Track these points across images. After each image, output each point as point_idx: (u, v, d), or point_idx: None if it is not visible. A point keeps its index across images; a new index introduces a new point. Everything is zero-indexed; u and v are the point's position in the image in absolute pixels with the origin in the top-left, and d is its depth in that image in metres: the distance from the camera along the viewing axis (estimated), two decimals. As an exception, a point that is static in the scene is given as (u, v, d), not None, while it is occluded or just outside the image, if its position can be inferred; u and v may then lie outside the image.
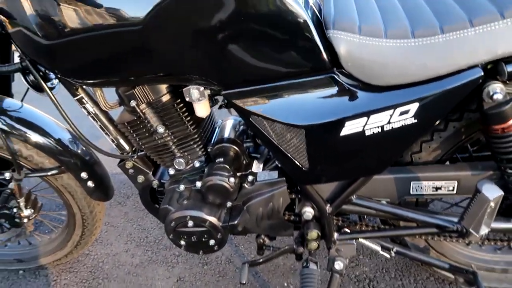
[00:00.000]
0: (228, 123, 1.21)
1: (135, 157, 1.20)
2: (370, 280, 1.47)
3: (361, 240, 1.19)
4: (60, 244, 1.58)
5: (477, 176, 1.02)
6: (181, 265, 1.63)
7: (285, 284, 1.49)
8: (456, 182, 1.03)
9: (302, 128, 0.90)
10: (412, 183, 1.06)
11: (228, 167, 1.07)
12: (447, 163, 1.11)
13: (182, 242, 1.16)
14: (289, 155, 0.96)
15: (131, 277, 1.60)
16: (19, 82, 1.31)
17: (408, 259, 1.39)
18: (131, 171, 1.24)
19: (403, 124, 0.86)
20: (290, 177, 1.12)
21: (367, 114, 0.86)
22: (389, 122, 0.86)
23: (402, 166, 1.08)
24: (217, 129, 1.23)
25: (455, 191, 1.05)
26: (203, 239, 1.13)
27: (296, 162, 0.97)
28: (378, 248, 1.21)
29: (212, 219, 1.10)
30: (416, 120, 0.85)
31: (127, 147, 1.21)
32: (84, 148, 1.36)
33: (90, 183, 1.35)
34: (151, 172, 1.24)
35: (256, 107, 0.91)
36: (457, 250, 1.33)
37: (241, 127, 1.20)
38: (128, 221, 1.91)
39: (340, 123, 0.87)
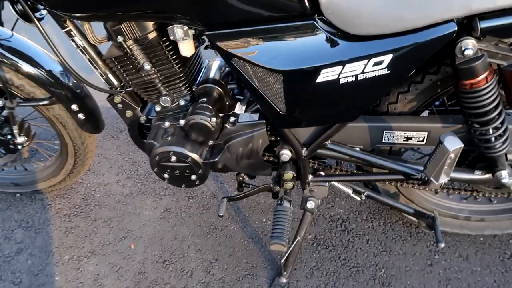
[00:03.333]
0: (214, 64, 1.23)
1: (123, 92, 1.24)
2: (343, 221, 1.57)
3: (334, 183, 1.27)
4: (54, 172, 1.67)
5: (446, 129, 1.07)
6: (168, 198, 1.73)
7: (264, 220, 1.60)
8: (426, 134, 1.09)
9: (280, 73, 0.93)
10: (384, 132, 1.11)
11: (210, 107, 1.12)
12: (424, 114, 1.16)
13: (166, 176, 1.23)
14: (268, 99, 1.00)
15: (120, 206, 1.71)
16: (8, 10, 1.31)
17: (379, 203, 1.48)
18: (119, 105, 1.29)
19: (377, 75, 0.89)
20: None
21: (343, 63, 0.89)
22: (363, 72, 0.89)
23: (376, 116, 1.13)
24: (203, 69, 1.25)
25: (424, 142, 1.10)
26: (185, 174, 1.21)
27: (275, 106, 1.01)
28: (350, 191, 1.29)
29: (194, 156, 1.16)
30: (389, 71, 0.88)
31: (115, 82, 1.24)
32: (75, 81, 1.39)
33: (80, 115, 1.40)
34: (139, 108, 1.28)
35: (238, 50, 0.94)
36: (425, 197, 1.42)
37: (227, 68, 1.23)
38: (120, 154, 1.98)
39: (316, 70, 0.91)
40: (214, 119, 1.12)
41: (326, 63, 0.89)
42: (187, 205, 1.68)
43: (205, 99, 1.13)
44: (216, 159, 1.17)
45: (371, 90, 0.93)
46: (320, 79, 0.92)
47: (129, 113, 1.29)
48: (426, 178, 1.03)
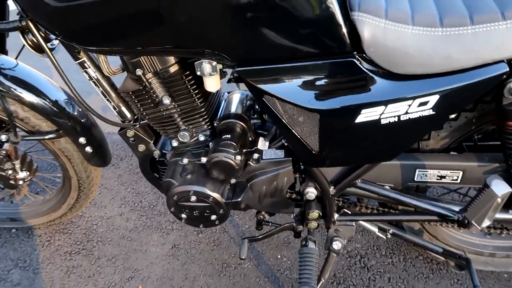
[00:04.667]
0: (235, 97, 1.18)
1: (137, 126, 1.17)
2: (361, 257, 1.51)
3: (360, 222, 1.21)
4: (54, 206, 1.57)
5: (482, 168, 1.03)
6: (175, 232, 1.64)
7: (279, 257, 1.52)
8: (461, 172, 1.04)
9: (316, 112, 0.88)
10: (417, 170, 1.06)
11: (234, 144, 1.05)
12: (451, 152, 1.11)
13: (183, 216, 1.16)
14: (299, 137, 0.94)
15: (125, 241, 1.61)
16: (12, 38, 1.24)
17: (404, 241, 1.43)
18: (131, 139, 1.21)
19: (420, 115, 0.84)
20: (296, 157, 1.12)
21: (385, 103, 0.84)
22: (406, 113, 0.84)
23: (408, 153, 1.08)
24: (223, 102, 1.19)
25: (459, 181, 1.06)
26: (205, 214, 1.13)
27: (307, 145, 0.95)
28: (375, 230, 1.23)
29: (216, 195, 1.09)
30: (434, 112, 0.84)
31: (129, 115, 1.18)
32: (81, 111, 1.32)
33: (88, 149, 1.32)
34: (152, 142, 1.21)
35: (270, 87, 0.88)
36: (449, 233, 1.36)
37: (248, 102, 1.17)
38: (122, 184, 1.89)
39: (356, 110, 0.85)
40: (238, 157, 1.05)
41: (368, 103, 0.84)
42: (197, 241, 1.60)
43: (228, 136, 1.06)
44: (239, 199, 1.10)
45: (412, 131, 0.88)
46: (360, 119, 0.87)
47: (142, 147, 1.22)
48: (467, 221, 0.98)
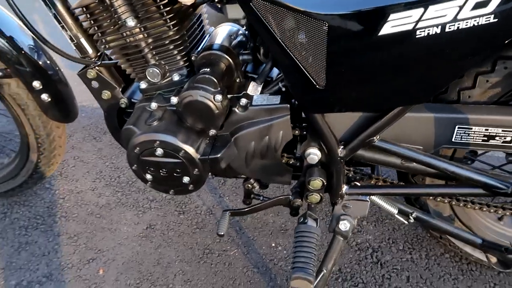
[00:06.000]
0: (222, 30, 0.93)
1: (99, 64, 0.93)
2: (373, 250, 1.23)
3: (375, 198, 0.94)
4: (12, 172, 1.33)
5: (547, 125, 0.76)
6: (153, 211, 1.39)
7: (273, 245, 1.26)
8: (517, 131, 0.77)
9: (325, 20, 0.62)
10: (457, 127, 0.79)
11: (215, 80, 0.80)
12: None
13: (148, 176, 0.90)
14: (300, 65, 0.69)
15: (93, 218, 1.36)
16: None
17: (425, 229, 1.15)
18: (94, 83, 0.97)
19: (476, 24, 0.58)
20: (295, 104, 0.86)
21: (425, 3, 0.58)
22: (455, 19, 0.58)
23: (445, 105, 0.81)
24: (207, 36, 0.94)
25: (513, 143, 0.79)
26: (175, 174, 0.88)
27: (310, 76, 0.69)
28: (395, 211, 0.96)
29: (188, 148, 0.84)
30: (496, 20, 0.57)
31: (90, 50, 0.93)
32: (44, 56, 1.08)
33: (44, 97, 1.08)
34: (119, 88, 0.97)
35: (262, -13, 0.63)
36: (486, 224, 1.09)
37: (240, 36, 0.92)
38: (101, 157, 1.65)
39: (381, 14, 0.59)
40: (219, 97, 0.80)
41: (398, 4, 0.58)
42: (177, 222, 1.34)
43: (207, 69, 0.81)
44: (219, 155, 0.84)
45: (463, 52, 0.62)
46: (386, 29, 0.60)
47: (106, 94, 0.98)
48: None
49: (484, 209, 0.92)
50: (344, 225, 0.91)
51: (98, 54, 0.94)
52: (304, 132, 0.89)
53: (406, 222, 0.99)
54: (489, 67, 0.78)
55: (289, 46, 0.67)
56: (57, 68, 1.12)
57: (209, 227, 1.32)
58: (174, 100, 0.83)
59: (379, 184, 0.92)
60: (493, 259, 0.96)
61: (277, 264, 1.19)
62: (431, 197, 0.91)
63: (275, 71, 0.93)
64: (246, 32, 0.93)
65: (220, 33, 0.91)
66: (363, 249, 1.24)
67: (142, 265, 1.20)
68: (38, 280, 1.16)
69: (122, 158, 1.64)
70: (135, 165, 0.89)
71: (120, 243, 1.27)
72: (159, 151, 0.84)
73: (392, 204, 0.96)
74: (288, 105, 0.83)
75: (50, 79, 1.09)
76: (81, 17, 0.86)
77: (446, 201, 0.93)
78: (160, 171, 0.88)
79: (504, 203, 0.93)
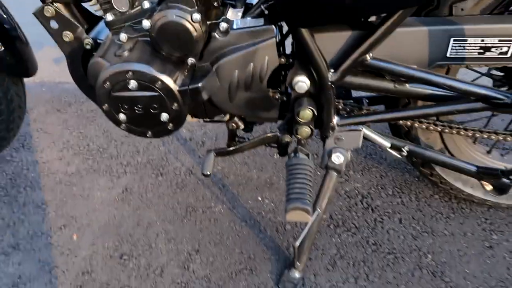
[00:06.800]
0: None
1: (58, -3, 0.82)
2: (363, 197, 1.19)
3: (367, 131, 0.89)
4: (-34, 140, 1.20)
5: (544, 32, 0.73)
6: (129, 176, 1.29)
7: (259, 198, 1.19)
8: (514, 40, 0.73)
9: None
10: (452, 40, 0.75)
11: (191, -2, 0.72)
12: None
13: (122, 116, 0.81)
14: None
15: (62, 187, 1.25)
16: None
17: (415, 167, 1.12)
18: (53, 23, 0.87)
19: None
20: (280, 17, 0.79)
21: None
22: None
23: (438, 17, 0.77)
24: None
25: (510, 54, 0.75)
26: (152, 111, 0.79)
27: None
28: (388, 144, 0.92)
29: (165, 78, 0.75)
30: None
31: (46, -17, 0.83)
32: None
33: (-3, 44, 0.96)
34: (83, 28, 0.87)
35: None
36: (476, 158, 1.06)
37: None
38: (66, 127, 1.53)
39: None
40: (197, 16, 0.72)
41: None
42: (155, 184, 1.26)
43: (182, -12, 0.73)
44: (200, 84, 0.76)
45: None
46: None
47: (68, 36, 0.88)
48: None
49: (477, 135, 0.89)
50: (337, 158, 0.85)
51: (56, -13, 0.84)
52: (291, 60, 0.83)
53: (399, 157, 0.95)
54: (483, -27, 0.74)
55: None
56: (12, 20, 1.01)
57: (190, 187, 1.24)
58: (146, 24, 0.74)
59: (371, 111, 0.87)
60: (488, 186, 0.94)
61: (265, 217, 1.13)
62: (425, 124, 0.87)
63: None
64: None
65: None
66: (352, 196, 1.20)
67: (120, 228, 1.11)
68: (3, 251, 1.05)
69: (91, 127, 1.53)
70: (106, 104, 0.80)
71: (94, 208, 1.17)
72: (133, 83, 0.76)
73: (385, 138, 0.92)
74: (273, 26, 0.76)
75: (3, 28, 0.97)
76: None
77: (439, 128, 0.89)
78: (135, 108, 0.79)
79: (496, 130, 0.90)
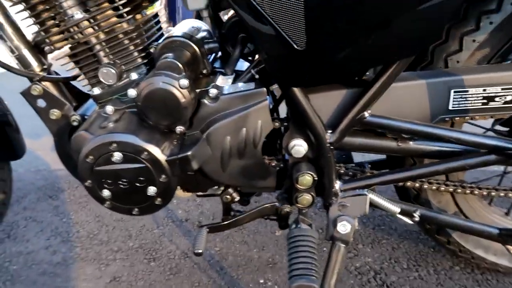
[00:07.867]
0: (183, 24, 0.84)
1: (44, 77, 0.81)
2: (376, 273, 1.08)
3: (374, 197, 0.82)
4: None
5: (546, 79, 0.70)
6: (118, 262, 1.18)
7: (261, 281, 1.08)
8: (517, 88, 0.70)
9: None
10: (452, 92, 0.72)
11: (179, 64, 0.70)
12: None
13: (105, 192, 0.74)
14: (277, 26, 0.60)
15: (45, 278, 1.14)
16: None
17: (429, 234, 1.02)
18: (40, 102, 0.84)
19: None
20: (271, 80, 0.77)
21: None
22: None
23: (436, 70, 0.75)
24: (166, 34, 0.86)
25: (514, 103, 0.71)
26: (138, 184, 0.73)
27: (288, 37, 0.61)
28: (397, 210, 0.84)
29: (152, 148, 0.70)
30: None
31: (34, 63, 0.82)
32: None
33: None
34: (71, 105, 0.84)
35: None
36: (494, 220, 0.98)
37: (203, 32, 0.84)
38: (57, 214, 1.46)
39: None
40: (184, 82, 0.69)
41: None
42: (147, 270, 1.15)
43: (170, 54, 0.71)
44: (189, 152, 0.71)
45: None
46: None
47: (55, 114, 0.85)
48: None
49: (493, 193, 0.82)
50: (343, 227, 0.77)
51: (44, 67, 0.83)
52: (285, 124, 0.79)
53: (410, 222, 0.86)
54: (474, 25, 0.73)
55: (265, 7, 0.59)
56: (2, 103, 1.00)
57: (185, 271, 1.13)
58: (132, 93, 0.71)
59: (376, 173, 0.81)
60: (515, 251, 0.84)
61: (269, 301, 1.01)
62: (435, 185, 0.80)
63: (245, 65, 0.85)
64: (209, 28, 0.86)
65: (182, 26, 0.82)
66: (364, 272, 1.08)
67: (106, 323, 0.98)
68: None
69: (83, 213, 1.45)
70: (89, 180, 0.74)
71: (78, 301, 1.05)
72: (117, 155, 0.70)
73: (393, 203, 0.85)
74: (265, 89, 0.73)
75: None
76: (21, 14, 0.76)
77: (450, 188, 0.82)
78: (120, 182, 0.73)
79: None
